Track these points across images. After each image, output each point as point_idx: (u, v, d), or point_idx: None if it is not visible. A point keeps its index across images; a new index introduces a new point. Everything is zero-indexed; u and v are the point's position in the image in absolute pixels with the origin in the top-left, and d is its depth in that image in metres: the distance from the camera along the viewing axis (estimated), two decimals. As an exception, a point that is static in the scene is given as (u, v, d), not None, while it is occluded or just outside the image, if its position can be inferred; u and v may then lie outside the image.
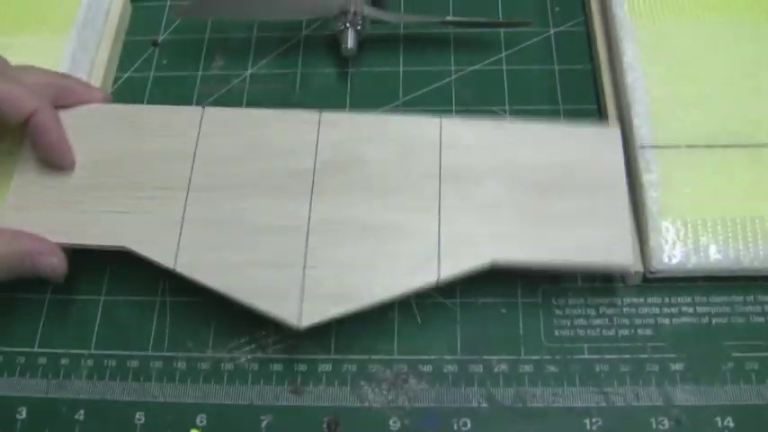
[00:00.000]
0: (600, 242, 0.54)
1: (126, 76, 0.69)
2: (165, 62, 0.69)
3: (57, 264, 0.55)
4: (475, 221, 0.55)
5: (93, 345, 0.57)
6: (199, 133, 0.58)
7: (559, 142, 0.57)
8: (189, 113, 0.59)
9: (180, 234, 0.55)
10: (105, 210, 0.56)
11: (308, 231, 0.55)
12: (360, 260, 0.54)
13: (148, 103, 0.67)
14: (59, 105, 0.58)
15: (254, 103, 0.66)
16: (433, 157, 0.57)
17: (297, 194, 0.56)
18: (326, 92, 0.67)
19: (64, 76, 0.60)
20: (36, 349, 0.57)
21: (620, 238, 0.54)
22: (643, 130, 0.58)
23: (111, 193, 0.56)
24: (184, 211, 0.56)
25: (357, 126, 0.58)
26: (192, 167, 0.57)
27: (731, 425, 0.52)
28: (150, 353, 0.57)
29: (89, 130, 0.59)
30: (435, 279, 0.53)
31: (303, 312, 0.52)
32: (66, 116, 0.58)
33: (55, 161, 0.57)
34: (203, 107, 0.59)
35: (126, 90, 0.68)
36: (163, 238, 0.55)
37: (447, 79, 0.66)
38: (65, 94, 0.58)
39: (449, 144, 0.57)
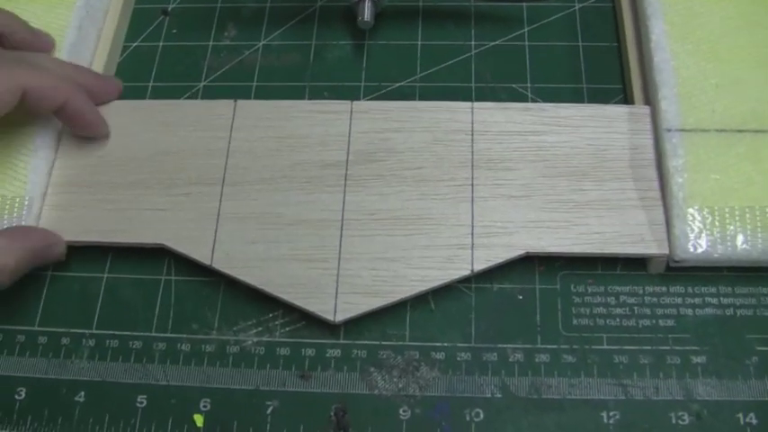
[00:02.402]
0: (634, 229, 0.54)
1: (134, 45, 0.67)
2: (174, 31, 0.67)
3: (63, 251, 0.56)
4: (508, 210, 0.55)
5: (95, 324, 0.56)
6: (231, 127, 0.58)
7: (589, 124, 0.57)
8: (221, 107, 0.60)
9: (216, 230, 0.55)
10: (141, 208, 0.57)
11: (342, 224, 0.55)
12: (394, 252, 0.54)
13: (156, 74, 0.65)
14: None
15: (266, 76, 0.65)
16: (465, 143, 0.57)
17: (330, 186, 0.56)
18: (342, 65, 0.65)
19: (76, 68, 0.60)
20: (36, 328, 0.56)
21: (654, 225, 0.54)
22: (670, 112, 0.55)
23: (146, 190, 0.57)
24: (220, 207, 0.56)
25: (388, 114, 0.58)
26: (227, 162, 0.57)
27: (754, 421, 0.50)
28: (154, 333, 0.55)
29: (122, 127, 0.59)
30: (469, 270, 0.53)
31: (338, 307, 0.53)
32: None
33: (92, 136, 0.59)
34: (235, 101, 0.59)
35: (133, 60, 0.66)
36: (199, 234, 0.55)
37: (467, 54, 0.64)
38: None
39: (480, 130, 0.57)
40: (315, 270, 0.54)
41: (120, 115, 0.59)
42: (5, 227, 0.55)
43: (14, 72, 0.52)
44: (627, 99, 0.61)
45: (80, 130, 0.58)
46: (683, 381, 0.52)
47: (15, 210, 0.56)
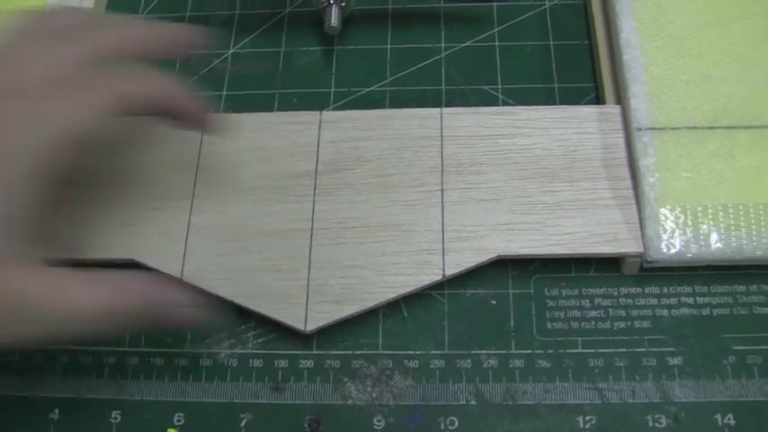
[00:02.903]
0: (607, 228, 0.53)
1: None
2: (144, 42, 0.67)
3: (199, 319, 0.48)
4: (478, 213, 0.54)
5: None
6: (201, 140, 0.58)
7: (560, 126, 0.57)
8: None
9: (186, 243, 0.55)
10: (111, 223, 0.56)
11: (311, 234, 0.54)
12: (364, 260, 0.53)
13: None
14: None
15: (236, 84, 0.64)
16: (434, 149, 0.56)
17: (299, 196, 0.56)
18: (311, 71, 0.64)
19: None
20: (9, 345, 0.55)
21: (627, 224, 0.53)
22: (640, 111, 0.55)
23: (115, 205, 0.56)
24: (189, 220, 0.56)
25: (357, 123, 0.58)
26: (196, 175, 0.57)
27: (732, 422, 0.49)
28: (127, 348, 0.55)
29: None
30: (441, 275, 0.53)
31: (309, 316, 0.52)
32: None
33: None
34: None
35: None
36: (169, 247, 0.55)
37: (437, 56, 0.64)
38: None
39: (449, 135, 0.57)
40: (285, 281, 0.53)
41: None
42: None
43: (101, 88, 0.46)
44: (599, 98, 0.60)
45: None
46: (659, 383, 0.51)
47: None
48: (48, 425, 0.52)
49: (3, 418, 0.53)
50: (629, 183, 0.54)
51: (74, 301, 0.43)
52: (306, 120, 0.58)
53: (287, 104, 0.62)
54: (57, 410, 0.53)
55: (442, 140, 0.57)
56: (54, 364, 0.54)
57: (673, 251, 0.52)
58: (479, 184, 0.55)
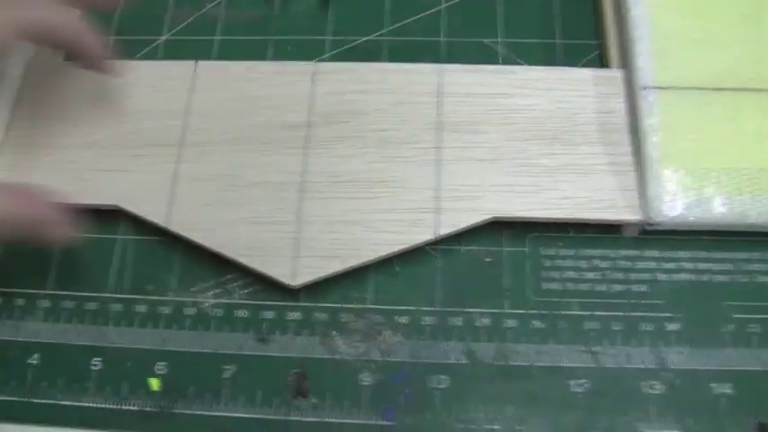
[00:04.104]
0: (606, 195, 0.52)
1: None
2: (135, -18, 0.65)
3: (65, 237, 0.50)
4: (475, 174, 0.53)
5: (49, 284, 0.54)
6: (191, 88, 0.57)
7: (560, 87, 0.56)
8: (181, 68, 0.58)
9: (172, 191, 0.54)
10: (97, 168, 0.55)
11: (301, 187, 0.53)
12: (355, 216, 0.53)
13: (117, 27, 0.63)
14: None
15: (229, 30, 0.62)
16: (432, 106, 0.55)
17: (291, 149, 0.55)
18: (307, 19, 0.63)
19: None
20: (-11, 288, 0.54)
21: (626, 191, 0.52)
22: (646, 69, 0.53)
23: (102, 151, 0.56)
24: (176, 168, 0.54)
25: (354, 76, 0.57)
26: (184, 123, 0.56)
27: (729, 392, 0.49)
28: (109, 294, 0.53)
29: (79, 87, 0.58)
30: (433, 235, 0.52)
31: (297, 270, 0.51)
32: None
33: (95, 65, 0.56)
34: (196, 61, 0.58)
35: (92, 13, 0.62)
36: (155, 195, 0.54)
37: (437, 7, 0.62)
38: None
39: (448, 92, 0.56)
40: (273, 233, 0.52)
41: (77, 76, 0.58)
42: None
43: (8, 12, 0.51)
44: (602, 55, 0.59)
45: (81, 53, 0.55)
46: (655, 349, 0.50)
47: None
48: (25, 369, 0.51)
49: (-19, 362, 0.52)
50: (629, 149, 0.53)
51: None
52: (300, 70, 0.57)
53: (281, 52, 0.61)
54: (36, 355, 0.52)
55: (440, 97, 0.55)
56: (34, 308, 0.53)
57: (674, 214, 0.50)
58: (477, 143, 0.54)
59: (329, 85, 0.56)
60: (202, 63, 0.58)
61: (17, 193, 0.49)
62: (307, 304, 0.52)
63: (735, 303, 0.51)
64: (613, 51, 0.57)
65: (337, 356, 0.51)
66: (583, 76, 0.56)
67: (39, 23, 0.51)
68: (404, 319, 0.52)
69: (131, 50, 0.61)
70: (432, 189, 0.53)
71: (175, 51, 0.61)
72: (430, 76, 0.56)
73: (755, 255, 0.53)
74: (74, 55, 0.55)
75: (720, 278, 0.52)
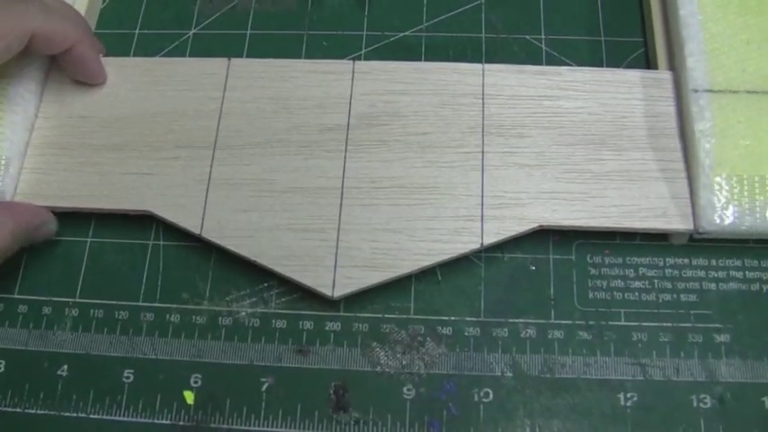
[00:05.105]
0: (655, 203, 0.50)
1: (116, -7, 0.63)
2: (161, -25, 0.63)
3: (54, 229, 0.54)
4: (521, 180, 0.51)
5: (78, 292, 0.53)
6: (224, 87, 0.55)
7: (607, 90, 0.54)
8: (214, 65, 0.56)
9: (206, 197, 0.52)
10: (126, 172, 0.53)
11: (341, 192, 0.52)
12: (397, 223, 0.51)
13: (142, 20, 0.61)
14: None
15: (261, 23, 0.61)
16: (475, 108, 0.53)
17: (329, 152, 0.53)
18: (342, 14, 0.61)
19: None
20: (16, 296, 0.53)
21: (677, 198, 0.50)
22: (697, 71, 0.51)
23: (132, 153, 0.54)
24: (210, 172, 0.53)
25: (393, 75, 0.55)
26: (219, 124, 0.54)
27: (781, 406, 0.48)
28: (141, 303, 0.52)
29: (107, 85, 0.56)
30: (479, 244, 0.50)
31: (337, 281, 0.50)
32: None
33: (88, 82, 0.56)
34: (229, 59, 0.56)
35: (115, 10, 0.62)
36: (188, 200, 0.52)
37: (477, 2, 0.60)
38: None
39: (491, 94, 0.54)
40: (311, 241, 0.50)
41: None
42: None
43: (24, 13, 0.49)
44: (648, 54, 0.57)
45: (81, 76, 0.55)
46: (705, 361, 0.49)
47: (-9, 170, 0.52)
48: (55, 381, 0.50)
49: (9, 373, 0.50)
50: (679, 155, 0.51)
51: None
52: (338, 69, 0.55)
53: (315, 47, 0.59)
54: (65, 367, 0.50)
55: (483, 99, 0.54)
56: (62, 317, 0.52)
57: (726, 222, 0.49)
58: (522, 148, 0.52)
59: (367, 85, 0.55)
60: (235, 60, 0.56)
61: (8, 209, 0.51)
62: (347, 314, 0.51)
63: (786, 314, 0.50)
64: (660, 51, 0.55)
65: (378, 369, 0.50)
66: (630, 77, 0.54)
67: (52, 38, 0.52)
68: (447, 330, 0.50)
69: (158, 45, 0.60)
70: (476, 196, 0.51)
71: (205, 46, 0.60)
72: (471, 76, 0.54)
73: (808, 263, 0.51)
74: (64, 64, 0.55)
75: (770, 287, 0.51)
